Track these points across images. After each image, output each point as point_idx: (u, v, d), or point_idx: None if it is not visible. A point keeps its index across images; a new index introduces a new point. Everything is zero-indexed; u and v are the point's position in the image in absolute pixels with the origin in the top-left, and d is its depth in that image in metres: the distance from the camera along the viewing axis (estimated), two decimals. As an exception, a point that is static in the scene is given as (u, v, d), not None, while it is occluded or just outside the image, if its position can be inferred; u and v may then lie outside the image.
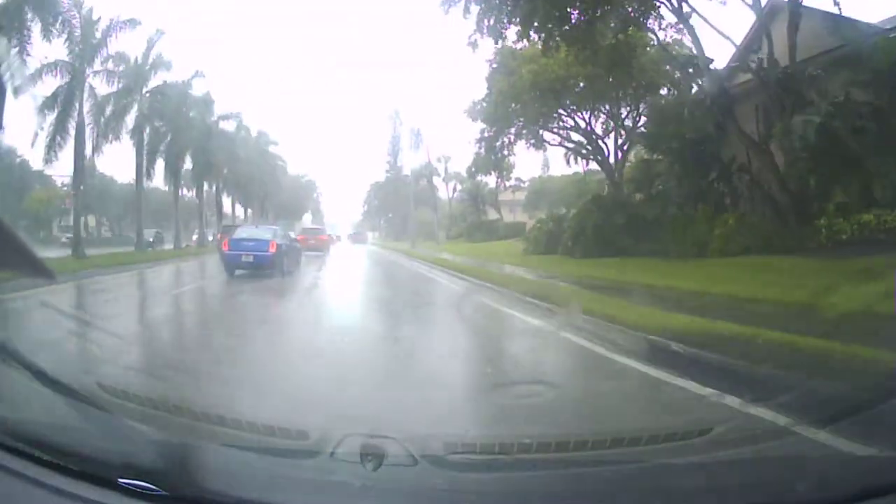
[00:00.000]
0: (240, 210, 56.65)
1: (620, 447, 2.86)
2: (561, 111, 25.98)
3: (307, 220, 74.10)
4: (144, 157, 33.65)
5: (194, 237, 45.20)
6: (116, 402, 3.36)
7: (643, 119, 24.92)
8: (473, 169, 43.09)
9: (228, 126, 43.53)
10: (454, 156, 72.96)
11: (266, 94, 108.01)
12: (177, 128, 35.23)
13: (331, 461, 2.22)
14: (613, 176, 25.88)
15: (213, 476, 1.92)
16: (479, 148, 27.66)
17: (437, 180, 59.09)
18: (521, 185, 51.37)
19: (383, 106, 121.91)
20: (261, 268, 17.08)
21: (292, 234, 23.72)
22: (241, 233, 19.39)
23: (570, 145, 28.96)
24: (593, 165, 32.18)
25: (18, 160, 41.06)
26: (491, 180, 49.26)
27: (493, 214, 51.30)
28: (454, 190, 60.40)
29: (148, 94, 32.80)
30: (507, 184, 46.12)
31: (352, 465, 2.04)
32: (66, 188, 43.27)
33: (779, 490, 1.87)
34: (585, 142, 27.43)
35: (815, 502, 1.80)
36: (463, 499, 1.98)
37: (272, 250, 17.36)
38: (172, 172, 37.06)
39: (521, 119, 26.23)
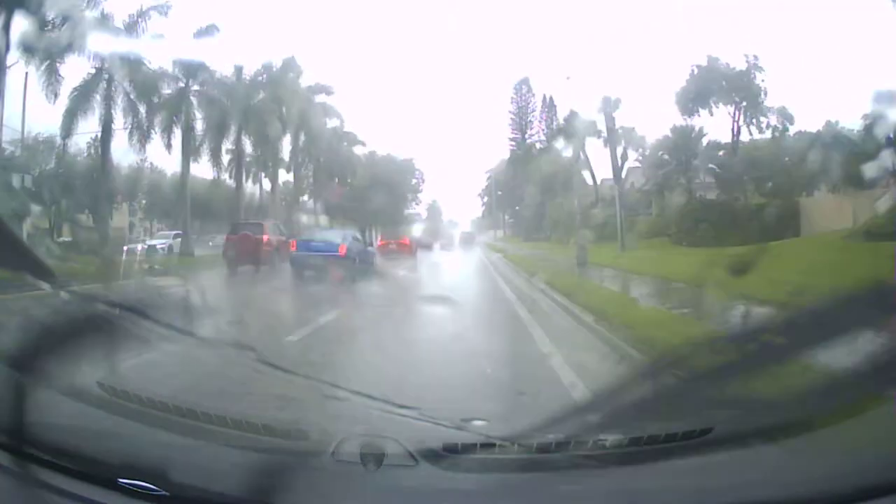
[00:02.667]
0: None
1: (621, 447, 2.86)
2: None
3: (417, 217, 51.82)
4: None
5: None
6: (116, 402, 3.35)
7: None
8: (691, 93, 23.33)
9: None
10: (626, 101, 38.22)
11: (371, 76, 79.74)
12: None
13: (331, 461, 2.22)
14: None
15: (213, 476, 1.92)
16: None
17: (593, 144, 32.42)
18: (786, 124, 25.60)
19: (503, 77, 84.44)
20: (329, 269, 16.15)
21: (359, 236, 21.97)
22: (310, 234, 19.33)
23: None
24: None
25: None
26: (718, 123, 26.45)
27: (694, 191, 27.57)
28: (622, 157, 30.07)
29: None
30: (764, 122, 24.15)
31: (352, 465, 2.04)
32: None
33: (779, 490, 1.87)
34: None
35: (815, 502, 1.80)
36: (463, 499, 1.98)
37: (342, 252, 16.78)
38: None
39: None
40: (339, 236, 18.29)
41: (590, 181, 34.25)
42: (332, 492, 1.96)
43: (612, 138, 29.08)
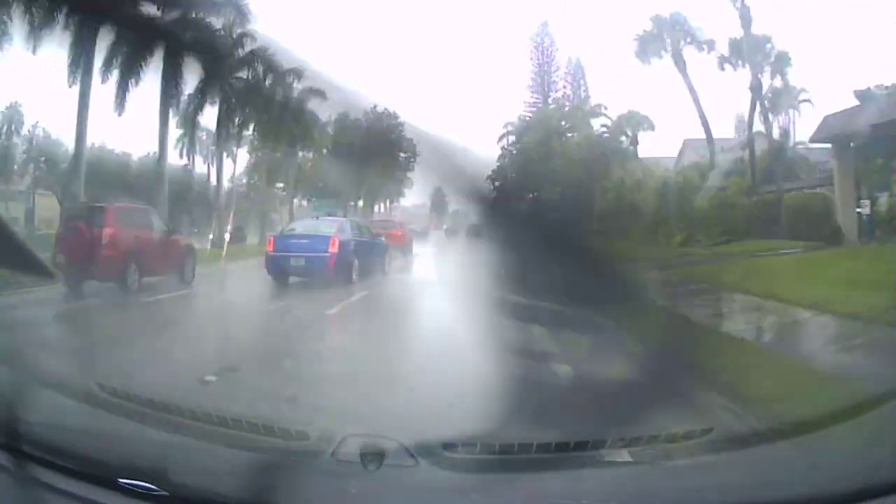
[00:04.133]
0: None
1: (621, 447, 2.86)
2: None
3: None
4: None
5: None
6: (116, 402, 3.36)
7: None
8: None
9: None
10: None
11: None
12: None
13: (331, 461, 2.22)
14: None
15: (213, 476, 1.92)
16: None
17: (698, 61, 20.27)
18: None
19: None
20: (317, 274, 12.71)
21: (359, 223, 16.19)
22: (292, 227, 14.94)
23: None
24: None
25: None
26: None
27: None
28: (755, 88, 20.39)
29: None
30: None
31: (352, 465, 2.04)
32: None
33: (779, 490, 1.87)
34: None
35: (816, 502, 1.80)
36: (463, 499, 1.98)
37: (333, 250, 12.87)
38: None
39: None
40: (332, 227, 13.92)
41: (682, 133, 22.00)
42: (332, 492, 1.96)
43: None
